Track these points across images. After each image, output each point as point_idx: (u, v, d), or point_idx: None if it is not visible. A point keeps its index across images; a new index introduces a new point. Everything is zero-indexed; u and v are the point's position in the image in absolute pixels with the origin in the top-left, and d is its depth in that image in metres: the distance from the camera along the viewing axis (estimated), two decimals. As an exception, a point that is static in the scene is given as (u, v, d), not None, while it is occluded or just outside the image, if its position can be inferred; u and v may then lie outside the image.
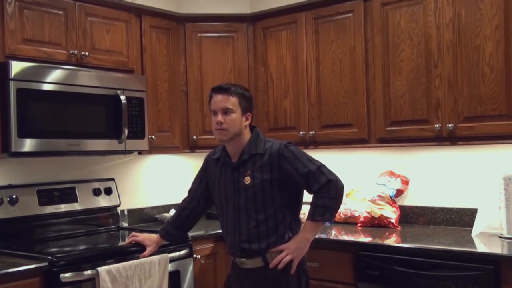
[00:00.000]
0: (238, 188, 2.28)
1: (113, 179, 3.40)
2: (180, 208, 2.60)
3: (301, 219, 2.36)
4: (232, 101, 2.27)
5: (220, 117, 2.27)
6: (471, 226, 2.95)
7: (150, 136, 3.25)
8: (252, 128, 2.37)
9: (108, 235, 3.24)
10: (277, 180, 2.23)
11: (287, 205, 2.27)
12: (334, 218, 2.31)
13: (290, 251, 2.22)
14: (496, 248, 2.60)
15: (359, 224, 3.26)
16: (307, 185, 2.24)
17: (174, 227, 2.59)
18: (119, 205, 3.38)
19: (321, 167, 2.24)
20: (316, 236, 2.95)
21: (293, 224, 2.29)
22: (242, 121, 2.30)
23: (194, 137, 3.54)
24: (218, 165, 2.39)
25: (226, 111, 2.27)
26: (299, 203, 2.35)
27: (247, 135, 2.33)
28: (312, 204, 2.25)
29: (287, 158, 2.23)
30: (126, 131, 3.03)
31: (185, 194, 2.63)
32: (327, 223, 3.34)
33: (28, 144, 2.66)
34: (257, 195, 2.24)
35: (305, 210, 2.34)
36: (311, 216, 2.24)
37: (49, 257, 2.45)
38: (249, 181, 2.26)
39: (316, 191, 2.22)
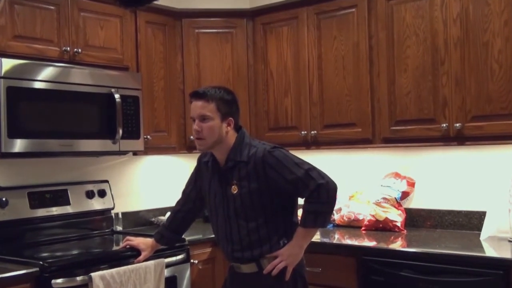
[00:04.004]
0: (226, 197, 2.27)
1: (107, 181, 3.40)
2: (175, 210, 2.61)
3: (298, 221, 2.35)
4: (209, 108, 2.22)
5: (196, 125, 2.24)
6: (480, 229, 2.95)
7: (145, 136, 3.26)
8: (239, 129, 2.32)
9: (101, 239, 3.24)
10: (265, 188, 2.21)
11: (279, 211, 2.26)
12: (328, 222, 2.28)
13: (284, 258, 2.22)
14: (506, 252, 2.60)
15: (363, 228, 3.26)
16: (296, 192, 2.22)
17: (170, 231, 2.60)
18: (113, 208, 3.38)
19: (309, 171, 2.19)
20: (319, 240, 2.99)
21: (288, 229, 2.27)
22: (222, 127, 2.24)
23: (191, 137, 3.53)
24: (208, 170, 2.38)
25: (203, 118, 2.23)
26: (293, 207, 2.32)
27: (231, 140, 2.27)
28: (303, 210, 2.23)
29: (272, 165, 2.19)
30: (121, 131, 3.03)
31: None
32: (330, 226, 3.35)
33: (19, 145, 2.66)
34: (246, 204, 2.23)
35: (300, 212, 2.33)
36: (303, 222, 2.22)
37: (40, 262, 2.45)
38: (236, 190, 2.24)
39: (306, 197, 2.20)
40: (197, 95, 2.26)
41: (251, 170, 2.22)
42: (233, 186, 2.25)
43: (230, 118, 2.27)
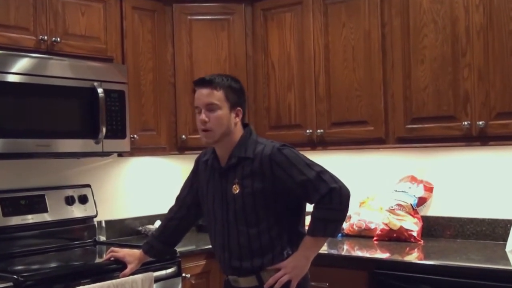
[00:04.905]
0: (226, 198, 2.28)
1: (89, 186, 3.40)
2: (167, 218, 2.61)
3: (305, 231, 2.36)
4: (217, 96, 2.25)
5: (203, 115, 2.25)
6: (505, 240, 2.95)
7: (132, 136, 3.26)
8: (245, 126, 2.35)
9: (83, 250, 3.24)
10: (270, 189, 2.22)
11: (284, 217, 2.27)
12: (338, 232, 2.30)
13: (288, 270, 2.22)
14: (535, 265, 2.61)
15: (375, 238, 3.26)
16: (305, 195, 2.24)
17: (160, 241, 2.60)
18: (95, 216, 3.39)
19: (321, 173, 2.21)
20: (325, 252, 2.99)
21: (293, 238, 2.29)
22: (231, 118, 2.27)
23: (183, 136, 3.55)
24: (207, 169, 2.39)
25: (210, 108, 2.24)
26: (300, 213, 2.33)
27: (238, 134, 2.30)
28: (312, 217, 2.24)
29: (281, 164, 2.21)
30: (104, 130, 3.03)
31: (172, 203, 2.63)
32: (338, 235, 3.35)
33: (-10, 145, 2.67)
34: (248, 206, 2.24)
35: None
36: (311, 231, 2.23)
37: (15, 276, 2.44)
38: (237, 190, 2.25)
39: (316, 202, 2.21)
40: (203, 82, 2.28)
41: (256, 168, 2.23)
42: (234, 186, 2.26)
43: (239, 108, 2.30)
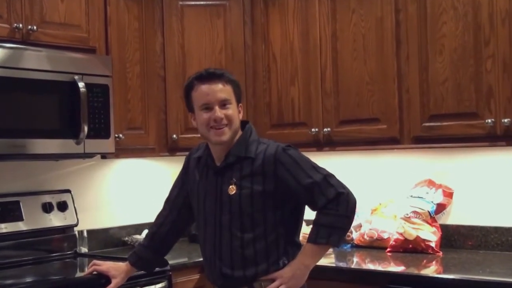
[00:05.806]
0: (220, 199, 2.31)
1: (68, 191, 3.40)
2: (157, 224, 2.61)
3: (300, 242, 2.38)
4: (228, 91, 2.31)
5: (218, 112, 2.27)
6: (534, 251, 2.97)
7: (117, 135, 3.26)
8: (243, 124, 2.39)
9: (62, 263, 3.25)
10: (271, 192, 2.26)
11: (282, 224, 2.30)
12: (342, 241, 2.32)
13: (285, 280, 2.24)
14: None
15: (388, 249, 3.27)
16: (311, 199, 2.26)
17: (150, 251, 2.60)
18: (76, 225, 3.39)
19: (328, 177, 2.25)
20: (333, 265, 2.99)
21: (288, 248, 2.31)
22: (238, 115, 2.35)
23: (174, 136, 3.55)
24: (199, 166, 2.42)
25: (223, 103, 2.29)
26: (297, 222, 2.37)
27: (239, 133, 2.36)
28: (315, 222, 2.26)
29: (286, 165, 2.25)
30: (86, 129, 3.03)
31: (162, 210, 2.65)
32: (347, 246, 3.35)
33: (-41, 146, 2.67)
34: (245, 209, 2.27)
35: (304, 231, 2.36)
36: (314, 237, 2.25)
37: (-14, 292, 2.46)
38: (234, 191, 2.28)
39: (322, 206, 2.24)
40: (214, 75, 2.32)
41: (257, 169, 2.27)
42: (231, 186, 2.29)
43: (241, 104, 2.38)
